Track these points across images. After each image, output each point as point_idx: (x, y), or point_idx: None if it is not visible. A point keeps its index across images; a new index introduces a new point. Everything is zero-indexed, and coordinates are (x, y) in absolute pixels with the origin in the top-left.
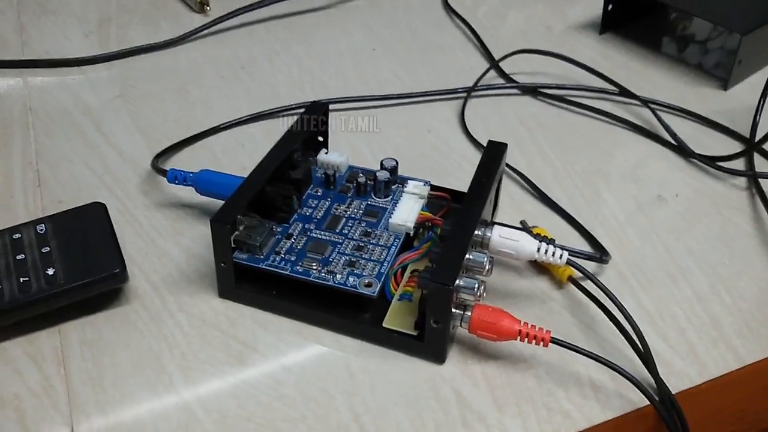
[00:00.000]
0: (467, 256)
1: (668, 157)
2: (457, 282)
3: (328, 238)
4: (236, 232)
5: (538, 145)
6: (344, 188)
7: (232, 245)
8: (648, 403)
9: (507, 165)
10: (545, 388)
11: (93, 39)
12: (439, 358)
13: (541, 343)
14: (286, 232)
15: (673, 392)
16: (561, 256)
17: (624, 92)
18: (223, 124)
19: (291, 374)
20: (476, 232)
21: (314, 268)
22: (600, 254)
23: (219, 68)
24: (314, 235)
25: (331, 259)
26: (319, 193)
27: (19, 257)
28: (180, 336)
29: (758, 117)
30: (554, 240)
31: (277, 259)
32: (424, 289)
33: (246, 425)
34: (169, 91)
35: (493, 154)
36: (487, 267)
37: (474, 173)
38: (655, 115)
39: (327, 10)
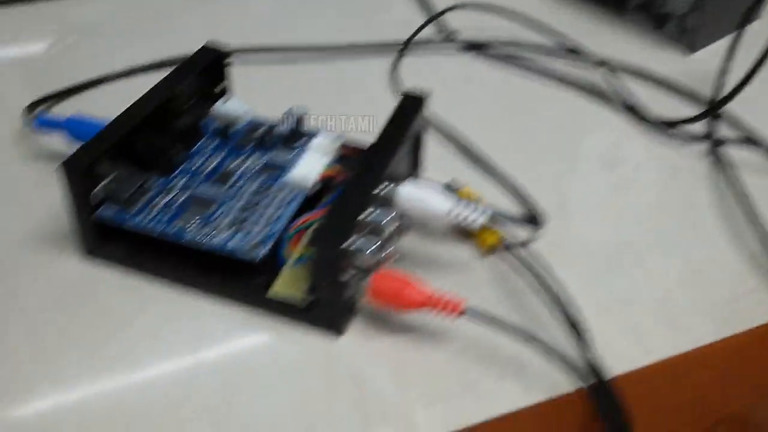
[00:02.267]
0: (365, 214)
1: (620, 121)
2: (349, 242)
3: (213, 194)
4: (104, 183)
5: (478, 106)
6: (243, 141)
7: (99, 197)
8: (579, 386)
9: (438, 125)
10: (459, 367)
11: None
12: (332, 328)
13: (455, 314)
14: (166, 186)
15: (611, 375)
16: (475, 220)
17: (576, 52)
18: (113, 73)
19: (156, 351)
20: (381, 188)
21: (190, 228)
22: (532, 219)
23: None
24: (198, 190)
25: (213, 219)
26: (212, 146)
27: None
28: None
29: (724, 80)
30: (479, 200)
31: (148, 217)
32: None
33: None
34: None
35: (407, 107)
36: (390, 227)
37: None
38: (609, 76)
39: None
